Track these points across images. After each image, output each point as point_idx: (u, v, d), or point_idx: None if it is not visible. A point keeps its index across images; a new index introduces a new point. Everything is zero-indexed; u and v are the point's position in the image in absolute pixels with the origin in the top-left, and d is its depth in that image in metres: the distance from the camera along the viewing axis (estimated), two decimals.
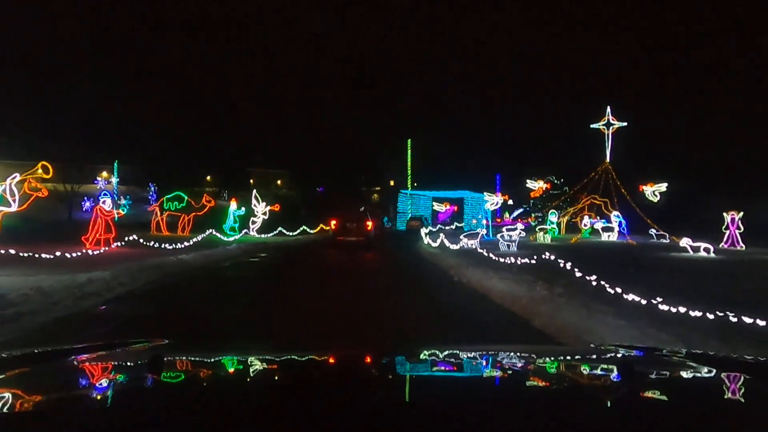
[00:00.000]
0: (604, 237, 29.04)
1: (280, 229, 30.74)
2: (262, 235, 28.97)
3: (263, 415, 1.26)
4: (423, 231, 32.59)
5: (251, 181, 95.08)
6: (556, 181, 54.83)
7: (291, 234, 31.37)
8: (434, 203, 43.84)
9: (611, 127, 33.94)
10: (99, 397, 1.54)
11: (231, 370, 1.99)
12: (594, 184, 32.86)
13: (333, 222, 26.04)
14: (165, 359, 1.69)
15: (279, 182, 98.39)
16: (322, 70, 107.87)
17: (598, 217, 31.32)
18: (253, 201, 31.77)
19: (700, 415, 1.35)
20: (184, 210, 28.42)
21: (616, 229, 28.72)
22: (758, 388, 1.66)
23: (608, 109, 34.14)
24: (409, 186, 57.50)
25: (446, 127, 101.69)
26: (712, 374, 1.85)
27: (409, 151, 59.14)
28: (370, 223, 25.61)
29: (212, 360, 2.17)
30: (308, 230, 34.47)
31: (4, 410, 1.33)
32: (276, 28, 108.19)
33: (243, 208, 29.94)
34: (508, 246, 22.41)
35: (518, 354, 2.32)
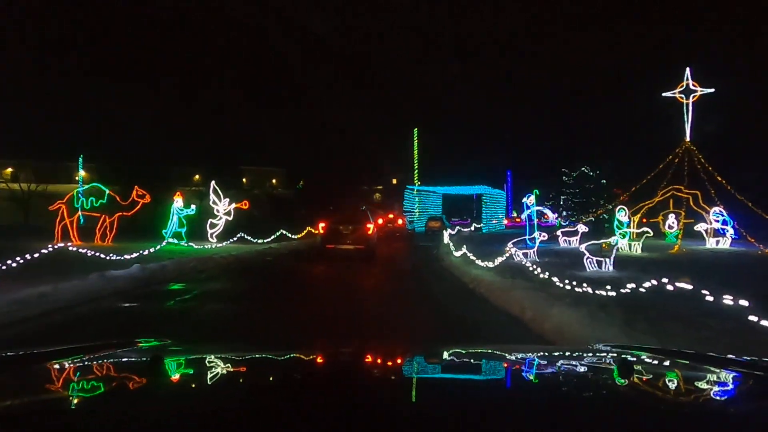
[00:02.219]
0: (710, 243, 19.87)
1: (241, 234, 21.62)
2: (215, 245, 19.80)
3: (264, 415, 1.22)
4: (446, 234, 23.52)
5: (244, 180, 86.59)
6: (590, 173, 45.67)
7: (260, 241, 22.23)
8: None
9: (692, 96, 24.75)
10: (99, 397, 1.48)
11: (232, 369, 1.92)
12: (675, 170, 23.57)
13: (321, 225, 17.84)
14: (165, 359, 1.61)
15: (274, 181, 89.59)
16: (321, 67, 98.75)
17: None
18: (212, 196, 22.65)
19: (699, 414, 1.33)
20: (106, 209, 19.27)
21: (730, 231, 19.54)
22: (758, 388, 1.60)
23: (687, 71, 24.93)
24: (415, 181, 48.40)
25: (452, 123, 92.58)
26: (712, 374, 1.79)
27: (415, 141, 50.09)
28: (371, 226, 17.73)
29: (213, 360, 2.03)
30: (289, 235, 25.28)
31: (4, 410, 1.30)
32: (274, 25, 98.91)
33: (193, 206, 20.84)
34: (600, 265, 13.23)
35: (517, 354, 2.30)
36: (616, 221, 22.70)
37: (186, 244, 18.36)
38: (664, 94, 25.39)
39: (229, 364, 1.96)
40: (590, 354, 2.30)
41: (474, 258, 13.73)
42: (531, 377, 1.85)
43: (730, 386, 1.67)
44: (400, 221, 35.81)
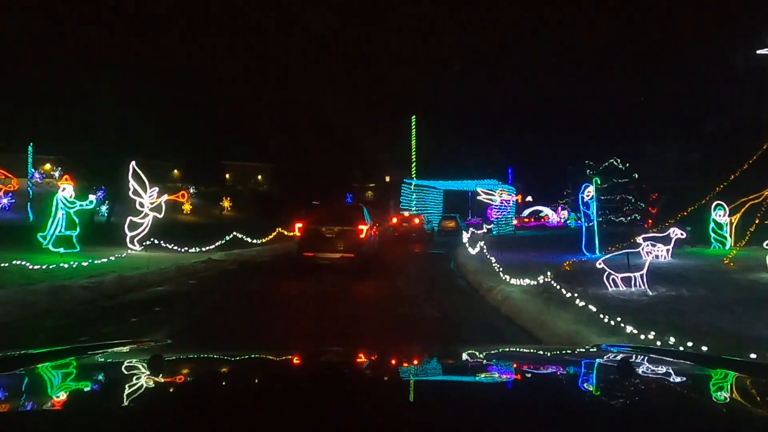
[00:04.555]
0: None
1: (152, 240, 14.26)
2: (130, 252, 12.39)
3: (263, 414, 1.17)
4: (466, 238, 16.45)
5: (227, 175, 79.29)
6: (619, 166, 38.65)
7: (196, 250, 14.88)
8: (481, 192, 28.23)
9: None
10: (99, 397, 1.44)
11: (232, 369, 1.85)
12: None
13: (298, 225, 13.08)
14: (165, 359, 1.55)
15: (260, 177, 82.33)
16: (312, 61, 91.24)
17: None
18: (131, 184, 15.31)
19: (699, 414, 1.29)
20: None
21: None
22: (757, 388, 1.54)
23: None
24: (413, 175, 41.22)
25: (451, 115, 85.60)
26: (713, 375, 1.74)
27: (413, 131, 42.91)
28: (364, 228, 12.49)
29: (213, 359, 2.00)
30: (249, 240, 17.92)
31: (5, 410, 1.27)
32: (262, 15, 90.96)
33: (92, 197, 13.51)
34: None
35: (519, 354, 2.27)
36: (712, 223, 15.62)
37: (55, 258, 10.87)
38: (759, 52, 18.32)
39: (229, 364, 1.90)
40: (591, 354, 2.22)
41: (580, 301, 6.48)
42: (532, 377, 1.79)
43: (731, 387, 1.58)
44: (416, 220, 29.98)
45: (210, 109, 68.08)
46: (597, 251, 15.48)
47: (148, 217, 15.40)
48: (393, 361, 1.96)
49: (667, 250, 13.36)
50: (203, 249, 14.78)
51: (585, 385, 1.67)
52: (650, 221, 38.80)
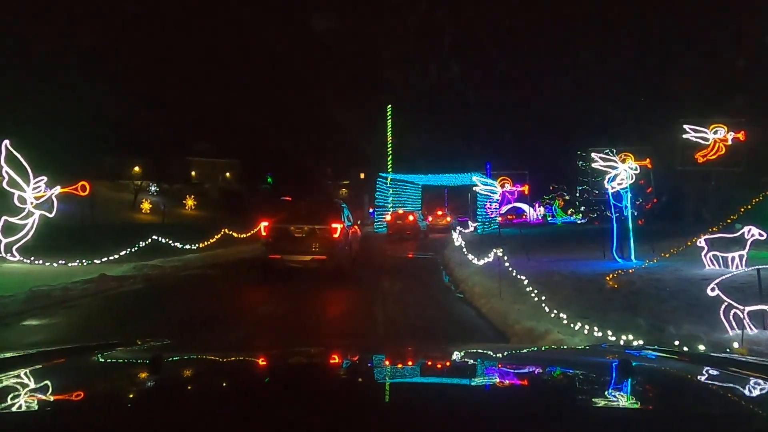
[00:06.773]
0: None
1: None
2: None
3: (263, 413, 1.14)
4: (458, 240, 12.60)
5: (192, 173, 74.21)
6: (610, 152, 35.20)
7: (82, 262, 10.62)
8: (479, 183, 23.71)
9: None
10: (99, 397, 1.38)
11: (231, 369, 1.79)
12: None
13: (264, 224, 10.76)
14: (165, 359, 1.49)
15: (228, 174, 77.55)
16: (284, 52, 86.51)
17: None
18: (6, 171, 11.04)
19: (699, 415, 1.24)
20: None
21: None
22: (757, 388, 1.45)
23: None
24: (389, 168, 37.27)
25: (429, 110, 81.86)
26: (712, 375, 1.66)
27: (389, 121, 38.94)
28: (338, 226, 10.57)
29: (212, 360, 1.94)
30: (182, 245, 13.61)
31: (5, 410, 1.20)
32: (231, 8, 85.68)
33: None
34: None
35: (516, 353, 2.20)
36: None
37: None
38: None
39: (228, 364, 1.84)
40: (591, 354, 2.17)
41: None
42: (532, 377, 1.73)
43: (731, 387, 1.52)
44: (411, 217, 28.07)
45: (174, 103, 62.77)
46: (633, 257, 11.77)
47: (33, 216, 11.18)
48: (391, 360, 1.93)
49: (742, 257, 9.64)
50: (103, 260, 10.53)
51: (585, 385, 1.61)
52: (642, 220, 35.50)
